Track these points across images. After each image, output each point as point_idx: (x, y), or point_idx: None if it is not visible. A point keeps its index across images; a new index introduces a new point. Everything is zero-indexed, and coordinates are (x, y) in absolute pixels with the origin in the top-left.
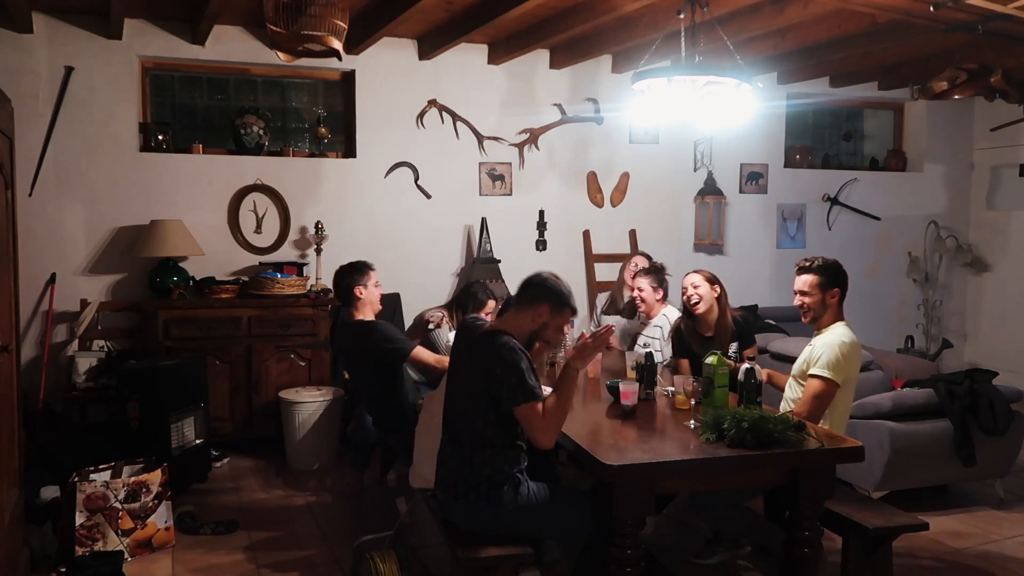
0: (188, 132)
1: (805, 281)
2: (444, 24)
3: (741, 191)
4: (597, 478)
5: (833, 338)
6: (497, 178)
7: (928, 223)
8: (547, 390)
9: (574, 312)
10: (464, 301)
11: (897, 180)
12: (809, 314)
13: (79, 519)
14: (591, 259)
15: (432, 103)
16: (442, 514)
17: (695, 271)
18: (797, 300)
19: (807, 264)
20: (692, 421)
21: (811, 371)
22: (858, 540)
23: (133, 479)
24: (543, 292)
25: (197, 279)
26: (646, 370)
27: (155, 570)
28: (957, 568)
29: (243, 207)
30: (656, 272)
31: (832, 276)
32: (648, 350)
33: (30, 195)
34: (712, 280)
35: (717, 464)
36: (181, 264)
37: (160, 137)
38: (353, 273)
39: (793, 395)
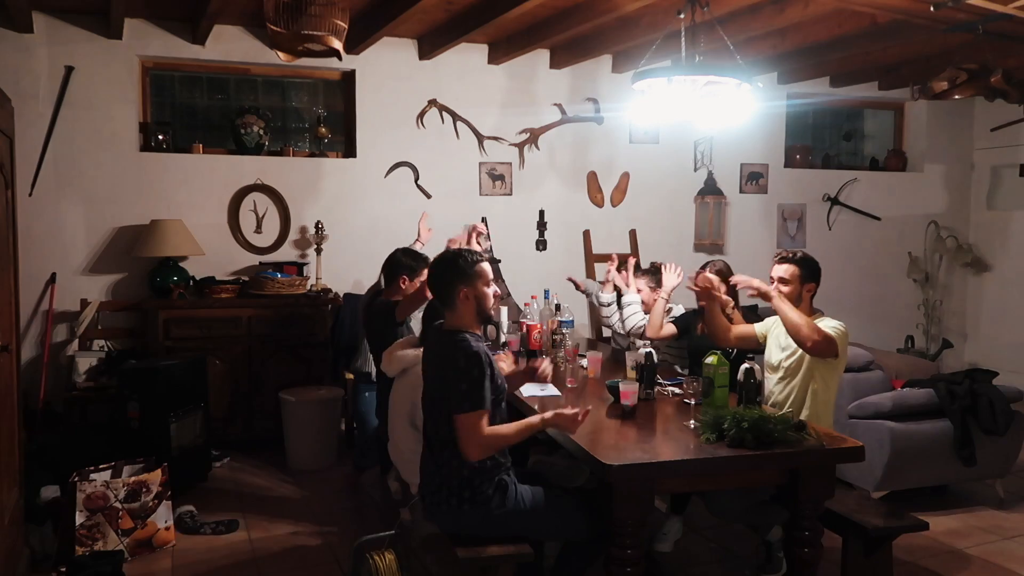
0: (188, 132)
1: (786, 270)
2: (444, 24)
3: (741, 191)
4: (591, 471)
5: (833, 322)
6: (497, 178)
7: (928, 223)
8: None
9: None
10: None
11: (897, 180)
12: None
13: (79, 519)
14: (591, 259)
15: (432, 103)
16: (428, 518)
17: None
18: (774, 287)
19: (789, 255)
20: (692, 421)
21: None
22: (858, 540)
23: (133, 479)
24: (452, 279)
25: (197, 279)
26: (646, 370)
27: (155, 570)
28: (957, 568)
29: (243, 207)
30: (654, 272)
31: (811, 271)
32: (648, 350)
33: (30, 195)
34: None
35: (717, 464)
36: (181, 264)
37: (160, 137)
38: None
39: (769, 386)
